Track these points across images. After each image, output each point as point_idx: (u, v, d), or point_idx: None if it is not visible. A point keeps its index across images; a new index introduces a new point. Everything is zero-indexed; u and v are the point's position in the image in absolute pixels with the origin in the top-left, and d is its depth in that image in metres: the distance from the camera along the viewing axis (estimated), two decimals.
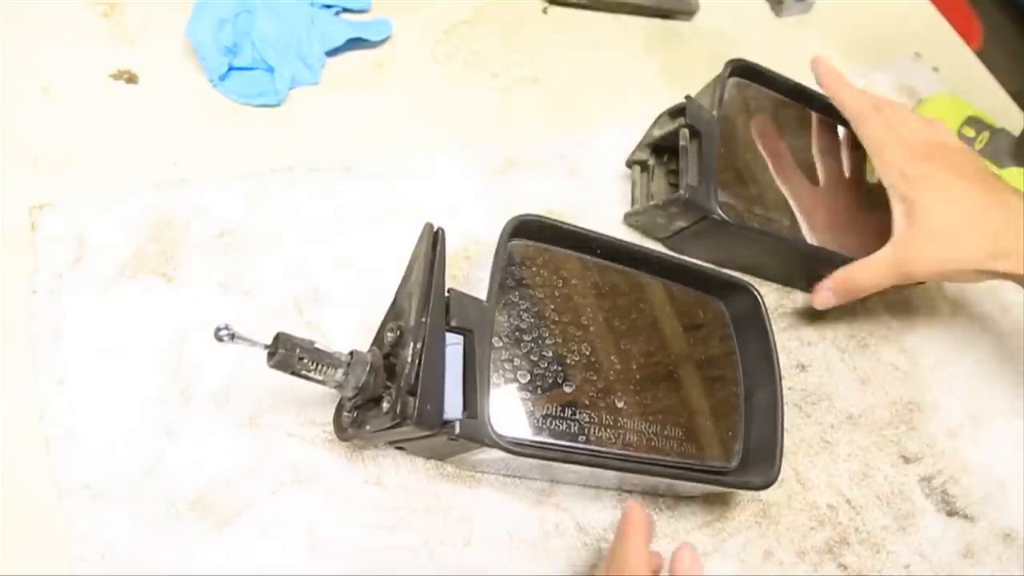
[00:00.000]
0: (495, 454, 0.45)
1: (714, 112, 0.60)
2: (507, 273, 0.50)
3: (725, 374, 0.56)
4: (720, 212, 0.57)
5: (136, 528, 0.46)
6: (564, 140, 0.68)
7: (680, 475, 0.51)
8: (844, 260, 0.60)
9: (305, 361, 0.43)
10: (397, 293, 0.50)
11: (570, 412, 0.48)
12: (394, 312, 0.49)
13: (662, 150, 0.64)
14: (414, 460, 0.51)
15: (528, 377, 0.48)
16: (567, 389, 0.49)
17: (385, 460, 0.51)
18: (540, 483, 0.53)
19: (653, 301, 0.56)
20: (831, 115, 0.65)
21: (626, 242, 0.55)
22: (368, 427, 0.46)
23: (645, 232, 0.65)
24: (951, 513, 0.61)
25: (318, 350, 0.44)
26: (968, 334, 0.71)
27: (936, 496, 0.62)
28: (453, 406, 0.45)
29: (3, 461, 0.46)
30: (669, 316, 0.56)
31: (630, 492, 0.54)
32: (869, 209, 0.64)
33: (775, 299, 0.66)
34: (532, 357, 0.49)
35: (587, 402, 0.49)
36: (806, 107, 0.67)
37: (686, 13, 0.80)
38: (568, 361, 0.50)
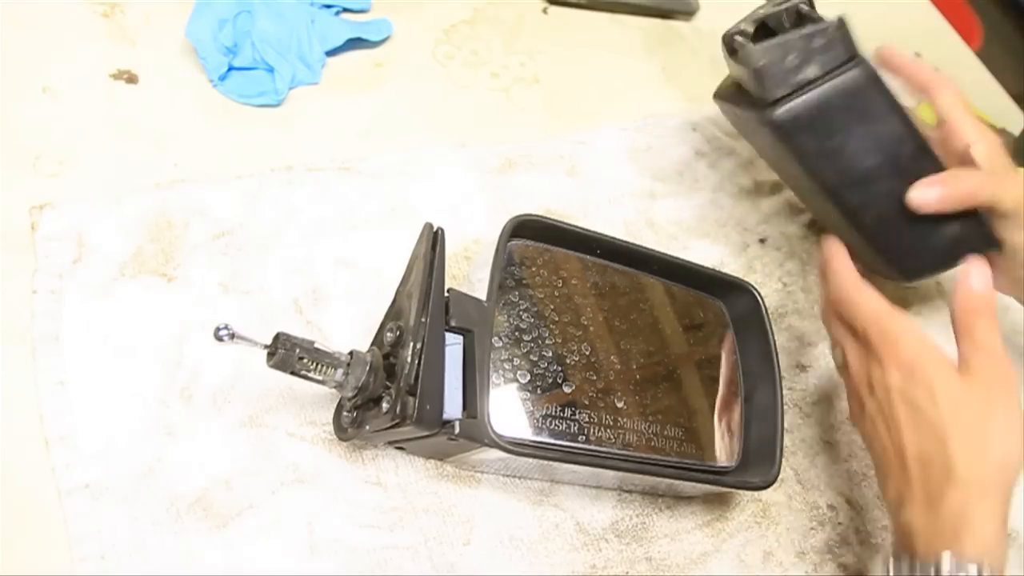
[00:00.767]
0: (495, 454, 0.45)
1: None
2: (507, 273, 0.50)
3: (725, 374, 0.56)
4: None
5: (136, 528, 0.46)
6: (564, 140, 0.68)
7: (680, 475, 0.51)
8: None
9: (305, 361, 0.43)
10: (397, 293, 0.50)
11: (570, 412, 0.48)
12: (394, 312, 0.49)
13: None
14: (414, 460, 0.51)
15: (528, 377, 0.48)
16: (567, 389, 0.49)
17: (385, 460, 0.51)
18: (540, 483, 0.53)
19: (653, 301, 0.56)
20: None
21: (626, 242, 0.55)
22: (368, 427, 0.46)
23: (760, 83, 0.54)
24: None
25: (318, 350, 0.44)
26: None
27: None
28: (453, 406, 0.45)
29: (3, 461, 0.46)
30: (669, 316, 0.56)
31: (630, 492, 0.54)
32: None
33: (776, 299, 0.66)
34: (532, 357, 0.49)
35: (587, 402, 0.49)
36: None
37: (686, 13, 0.80)
38: (568, 361, 0.50)
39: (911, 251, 0.59)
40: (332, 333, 0.54)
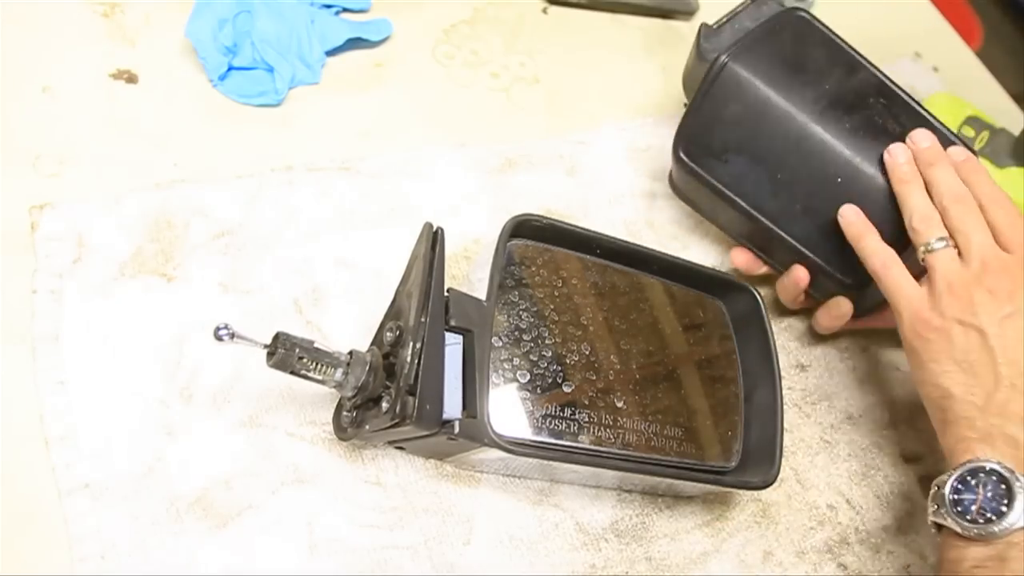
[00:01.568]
0: (494, 454, 0.45)
1: None
2: (506, 273, 0.50)
3: (725, 374, 0.56)
4: None
5: (136, 528, 0.46)
6: (564, 140, 0.68)
7: (680, 475, 0.51)
8: None
9: (304, 361, 0.43)
10: (396, 293, 0.50)
11: (569, 412, 0.48)
12: (393, 312, 0.49)
13: None
14: (414, 460, 0.51)
15: (528, 377, 0.48)
16: (566, 389, 0.49)
17: (385, 460, 0.51)
18: (540, 483, 0.53)
19: (653, 301, 0.56)
20: None
21: (626, 242, 0.55)
22: (368, 427, 0.46)
23: None
24: None
25: (317, 350, 0.44)
26: None
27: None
28: (452, 406, 0.45)
29: (3, 461, 0.46)
30: (669, 316, 0.56)
31: (629, 492, 0.54)
32: None
33: (775, 298, 0.66)
34: (532, 357, 0.49)
35: (587, 402, 0.49)
36: None
37: (686, 13, 0.80)
38: (568, 361, 0.50)
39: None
40: (332, 333, 0.54)
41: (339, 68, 0.66)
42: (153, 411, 0.49)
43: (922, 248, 0.52)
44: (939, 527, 0.47)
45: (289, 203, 0.59)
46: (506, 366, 0.48)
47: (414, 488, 0.51)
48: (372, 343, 0.49)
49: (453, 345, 0.46)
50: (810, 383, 0.63)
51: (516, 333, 0.49)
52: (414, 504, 0.50)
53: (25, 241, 0.53)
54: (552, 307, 0.51)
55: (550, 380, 0.49)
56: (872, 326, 0.64)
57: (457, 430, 0.44)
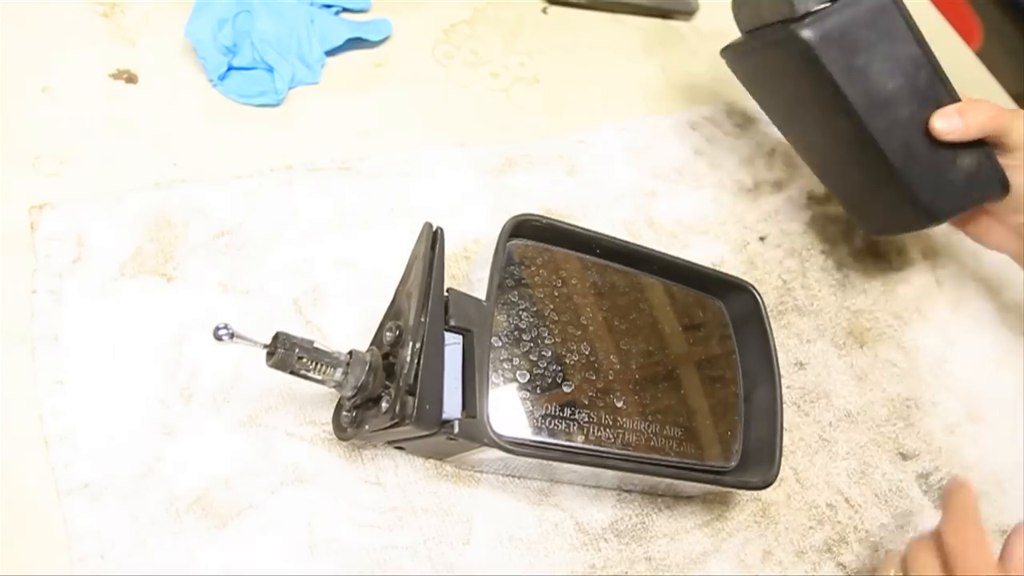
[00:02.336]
0: (494, 454, 0.45)
1: None
2: (506, 273, 0.50)
3: (724, 374, 0.56)
4: None
5: (136, 528, 0.46)
6: (563, 140, 0.68)
7: (679, 475, 0.51)
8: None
9: (304, 360, 0.43)
10: (396, 293, 0.50)
11: (569, 412, 0.48)
12: (393, 312, 0.49)
13: None
14: (413, 460, 0.51)
15: (527, 377, 0.48)
16: (566, 389, 0.49)
17: (384, 460, 0.51)
18: (539, 483, 0.53)
19: (653, 301, 0.56)
20: None
21: (625, 242, 0.55)
22: (367, 427, 0.46)
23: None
24: None
25: (317, 349, 0.44)
26: (966, 331, 0.71)
27: (934, 493, 0.62)
28: (452, 406, 0.45)
29: (3, 461, 0.46)
30: (669, 316, 0.56)
31: (629, 492, 0.55)
32: None
33: (775, 296, 0.66)
34: (531, 357, 0.49)
35: (586, 402, 0.49)
36: None
37: (686, 13, 0.80)
38: (567, 361, 0.50)
39: (931, 185, 0.59)
40: (332, 333, 0.54)
41: (339, 68, 0.66)
42: (153, 411, 0.49)
43: None
44: None
45: (289, 203, 0.59)
46: (506, 366, 0.48)
47: (414, 488, 0.51)
48: (372, 343, 0.49)
49: (453, 345, 0.46)
50: (808, 381, 0.63)
51: (516, 333, 0.49)
52: (414, 504, 0.50)
53: (25, 241, 0.53)
54: (552, 307, 0.51)
55: (550, 380, 0.49)
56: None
57: (457, 430, 0.44)
